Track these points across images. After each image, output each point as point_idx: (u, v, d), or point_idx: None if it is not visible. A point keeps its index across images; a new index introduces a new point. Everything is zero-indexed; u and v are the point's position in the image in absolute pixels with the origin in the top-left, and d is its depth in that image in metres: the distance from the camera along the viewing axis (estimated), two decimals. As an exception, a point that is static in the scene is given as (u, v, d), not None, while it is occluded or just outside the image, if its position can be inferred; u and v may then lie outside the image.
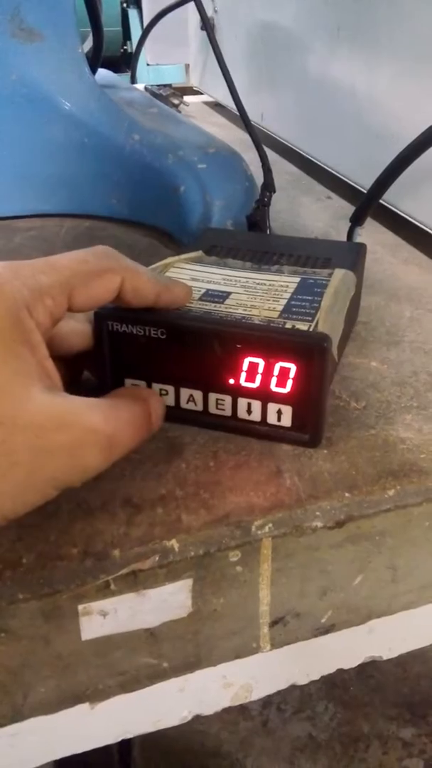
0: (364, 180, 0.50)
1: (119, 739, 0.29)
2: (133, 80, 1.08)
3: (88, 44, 0.55)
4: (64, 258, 0.23)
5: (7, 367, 0.20)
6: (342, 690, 0.87)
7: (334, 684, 0.88)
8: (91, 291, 0.23)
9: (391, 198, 0.44)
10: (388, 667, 0.90)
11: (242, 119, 0.47)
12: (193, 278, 0.30)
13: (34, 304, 0.21)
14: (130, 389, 0.26)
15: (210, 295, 0.28)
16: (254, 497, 0.24)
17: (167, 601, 0.23)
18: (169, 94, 0.80)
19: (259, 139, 0.45)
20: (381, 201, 0.40)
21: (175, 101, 0.79)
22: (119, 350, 0.27)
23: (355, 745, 0.81)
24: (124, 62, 2.46)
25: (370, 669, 0.89)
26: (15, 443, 0.19)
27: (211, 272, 0.31)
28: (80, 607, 0.22)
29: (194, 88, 0.92)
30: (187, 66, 0.97)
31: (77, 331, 0.26)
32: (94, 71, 0.52)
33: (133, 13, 2.48)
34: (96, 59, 0.55)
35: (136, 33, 2.43)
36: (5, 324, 0.20)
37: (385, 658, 0.32)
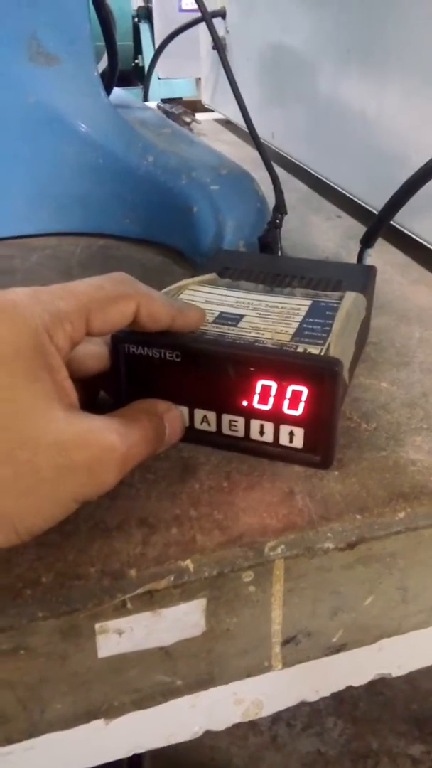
0: (373, 200, 0.51)
1: (131, 754, 0.29)
2: (146, 97, 1.10)
3: (103, 63, 0.57)
4: (81, 284, 0.24)
5: (30, 390, 0.21)
6: (351, 706, 0.87)
7: (343, 700, 0.88)
8: (107, 316, 0.24)
9: (401, 219, 0.45)
10: (398, 683, 0.89)
11: (254, 141, 0.48)
12: (207, 300, 0.31)
13: (54, 329, 0.22)
14: (146, 403, 0.26)
15: (224, 318, 0.29)
16: (267, 518, 0.25)
17: (182, 621, 0.24)
18: (181, 113, 0.81)
19: (270, 161, 0.46)
20: (392, 222, 0.41)
21: (187, 119, 0.81)
22: (135, 372, 0.28)
23: (364, 762, 0.80)
24: (136, 76, 2.49)
25: (379, 686, 0.89)
26: (39, 462, 0.20)
27: (224, 295, 0.31)
28: (97, 626, 0.23)
29: (205, 106, 0.94)
30: (198, 80, 0.98)
31: (94, 354, 0.27)
32: (109, 92, 0.53)
33: (144, 28, 2.51)
34: (111, 79, 0.57)
35: (147, 47, 2.46)
36: (27, 349, 0.21)
37: (394, 675, 0.32)
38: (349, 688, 0.31)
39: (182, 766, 0.79)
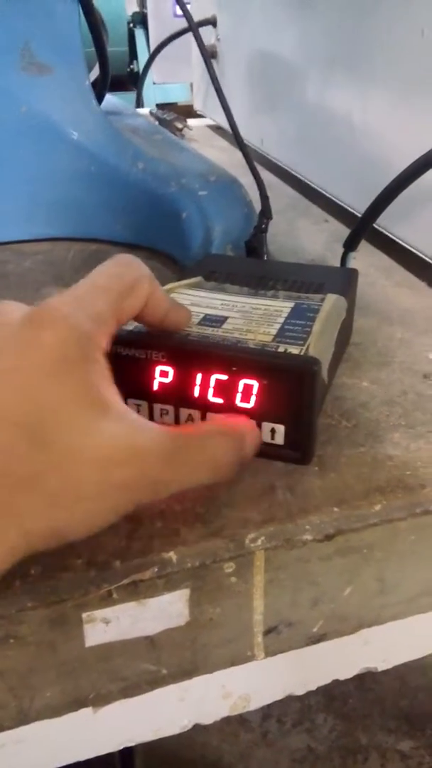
0: (359, 204, 0.52)
1: (121, 747, 0.30)
2: (140, 102, 1.11)
3: (95, 72, 0.58)
4: (102, 277, 0.24)
5: (78, 401, 0.21)
6: (341, 702, 0.88)
7: (333, 697, 0.89)
8: (129, 306, 0.24)
9: (384, 223, 0.46)
10: (387, 679, 0.90)
11: (239, 146, 0.49)
12: (192, 303, 0.32)
13: (96, 333, 0.22)
14: (231, 421, 0.26)
15: (208, 320, 0.30)
16: (248, 512, 0.26)
17: (166, 610, 0.25)
18: (173, 119, 0.82)
19: (255, 166, 0.47)
20: (375, 225, 0.42)
21: (179, 125, 0.82)
22: (122, 372, 0.28)
23: (354, 757, 0.81)
24: (131, 81, 2.51)
25: (369, 682, 0.90)
26: (81, 476, 0.20)
27: (209, 297, 0.32)
28: (84, 615, 0.23)
29: (197, 112, 0.95)
30: (191, 85, 0.99)
31: None
32: (100, 100, 0.55)
33: (139, 33, 2.53)
34: (103, 87, 0.58)
35: (142, 52, 2.47)
36: (77, 359, 0.21)
37: (380, 669, 0.33)
38: (339, 683, 0.32)
39: (174, 764, 0.80)
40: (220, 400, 0.28)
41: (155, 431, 0.22)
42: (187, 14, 0.53)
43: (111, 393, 0.22)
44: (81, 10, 0.49)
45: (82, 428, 0.21)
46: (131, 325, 0.29)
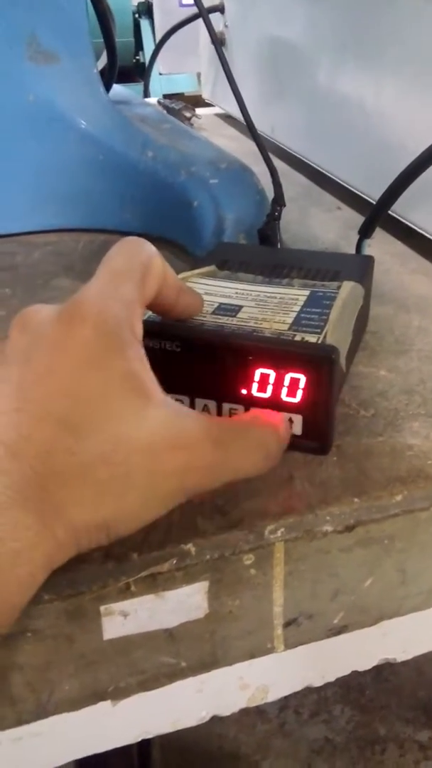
0: (372, 191, 0.51)
1: (139, 739, 0.30)
2: (146, 93, 1.10)
3: (103, 60, 0.57)
4: (117, 261, 0.24)
5: (122, 390, 0.21)
6: (358, 693, 0.88)
7: (351, 687, 0.88)
8: (149, 288, 0.24)
9: (399, 209, 0.45)
10: (404, 670, 0.90)
11: (251, 134, 0.48)
12: (206, 292, 0.31)
13: (130, 319, 0.22)
14: (266, 413, 0.26)
15: (223, 309, 0.30)
16: (267, 503, 0.25)
17: (185, 603, 0.24)
18: (182, 108, 0.81)
19: (268, 154, 0.46)
20: (389, 212, 0.41)
21: (188, 114, 0.81)
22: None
23: (372, 748, 0.81)
24: (137, 72, 2.50)
25: (386, 672, 0.90)
26: (131, 465, 0.20)
27: (223, 286, 0.32)
28: (102, 608, 0.23)
29: (206, 101, 0.94)
30: (199, 75, 0.98)
31: None
32: (108, 89, 0.54)
33: (145, 24, 2.52)
34: (110, 77, 0.57)
35: (148, 43, 2.46)
36: (116, 348, 0.21)
37: (399, 660, 0.32)
38: (356, 675, 0.32)
39: (191, 755, 0.80)
40: (236, 390, 0.27)
41: (201, 418, 0.22)
42: (197, 0, 0.52)
43: (151, 380, 0.22)
44: (88, -1, 0.48)
45: (128, 417, 0.20)
46: (145, 315, 0.29)
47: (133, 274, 0.23)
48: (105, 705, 0.26)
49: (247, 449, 0.23)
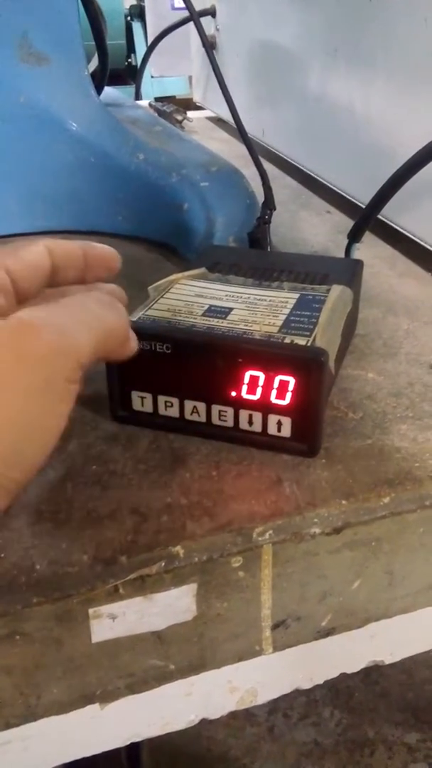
0: (361, 195, 0.51)
1: (128, 743, 0.30)
2: (138, 95, 1.10)
3: (94, 63, 0.57)
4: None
5: None
6: (347, 696, 0.88)
7: (340, 690, 0.89)
8: (21, 259, 0.24)
9: (388, 213, 0.46)
10: (393, 673, 0.90)
11: (242, 137, 0.48)
12: (197, 294, 0.31)
13: None
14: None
15: (213, 311, 0.30)
16: (255, 505, 0.25)
17: (173, 605, 0.24)
18: (173, 111, 0.81)
19: (259, 157, 0.46)
20: (378, 216, 0.41)
21: (179, 117, 0.81)
22: (126, 364, 0.28)
23: (361, 751, 0.81)
24: (129, 75, 2.50)
25: (375, 675, 0.90)
26: None
27: (214, 288, 0.32)
28: (91, 611, 0.23)
29: (197, 104, 0.94)
30: (190, 78, 0.99)
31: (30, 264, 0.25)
32: (100, 91, 0.54)
33: (137, 26, 2.52)
34: (102, 78, 0.57)
35: (140, 46, 2.46)
36: None
37: (387, 662, 0.32)
38: (345, 678, 0.32)
39: (180, 758, 0.80)
40: (226, 392, 0.27)
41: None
42: (188, 3, 0.52)
43: None
44: (79, 1, 0.48)
45: None
46: (135, 317, 0.29)
47: None
48: (93, 708, 0.26)
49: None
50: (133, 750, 0.75)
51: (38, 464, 0.20)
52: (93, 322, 0.22)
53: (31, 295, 0.25)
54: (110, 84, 0.61)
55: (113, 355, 0.24)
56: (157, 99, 0.92)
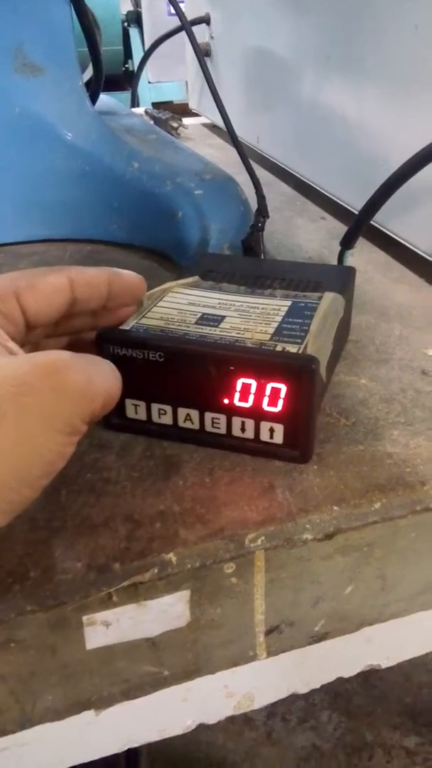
0: (355, 201, 0.52)
1: (125, 749, 0.30)
2: (135, 101, 1.11)
3: (90, 70, 0.57)
4: (13, 272, 0.25)
5: None
6: (345, 700, 0.88)
7: (338, 694, 0.89)
8: (38, 290, 0.25)
9: (381, 219, 0.46)
10: (392, 676, 0.90)
11: (234, 145, 0.49)
12: (190, 302, 0.32)
13: None
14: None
15: (206, 319, 0.30)
16: (248, 512, 0.25)
17: (166, 612, 0.25)
18: (168, 118, 0.82)
19: (251, 165, 0.47)
20: (372, 222, 0.42)
21: (174, 124, 0.82)
22: (120, 373, 0.28)
23: (359, 754, 0.81)
24: (126, 80, 2.50)
25: (373, 679, 0.90)
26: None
27: (207, 297, 0.32)
28: (84, 618, 0.23)
29: (193, 111, 0.95)
30: (187, 83, 0.99)
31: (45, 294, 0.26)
32: (94, 100, 0.54)
33: (134, 32, 2.52)
34: (96, 88, 0.58)
35: (137, 52, 2.47)
36: None
37: (384, 666, 0.33)
38: (343, 681, 0.32)
39: (179, 763, 0.80)
40: (218, 400, 0.28)
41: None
42: (179, 13, 0.52)
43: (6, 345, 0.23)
44: (74, 12, 0.48)
45: None
46: (128, 326, 0.29)
47: (7, 278, 0.25)
48: (89, 714, 0.26)
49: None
50: (132, 756, 0.75)
51: (43, 486, 0.21)
52: (109, 380, 0.24)
53: (42, 324, 0.26)
54: (107, 90, 0.61)
55: (100, 416, 0.24)
56: (154, 104, 0.93)
